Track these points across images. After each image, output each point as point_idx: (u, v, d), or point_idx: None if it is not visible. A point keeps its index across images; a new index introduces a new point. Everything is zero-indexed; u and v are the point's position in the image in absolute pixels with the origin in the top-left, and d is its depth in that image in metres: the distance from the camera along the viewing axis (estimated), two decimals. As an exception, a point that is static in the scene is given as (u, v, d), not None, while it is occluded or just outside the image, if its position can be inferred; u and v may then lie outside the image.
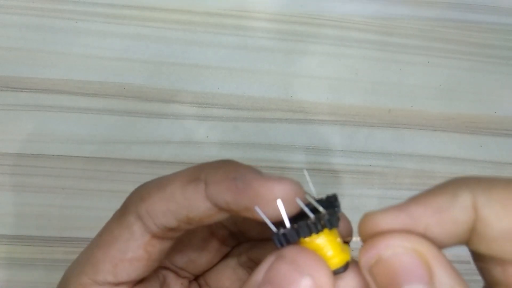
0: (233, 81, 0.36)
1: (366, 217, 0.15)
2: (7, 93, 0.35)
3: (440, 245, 0.14)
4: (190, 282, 0.22)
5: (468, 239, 0.14)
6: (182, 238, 0.19)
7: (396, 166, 0.36)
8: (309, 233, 0.15)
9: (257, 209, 0.16)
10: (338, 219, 0.16)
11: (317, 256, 0.15)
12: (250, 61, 0.37)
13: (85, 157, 0.35)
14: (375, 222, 0.15)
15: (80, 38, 0.36)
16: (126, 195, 0.36)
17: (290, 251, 0.15)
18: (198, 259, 0.22)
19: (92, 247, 0.19)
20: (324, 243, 0.15)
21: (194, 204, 0.17)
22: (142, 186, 0.19)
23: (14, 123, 0.35)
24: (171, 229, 0.18)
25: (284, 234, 0.15)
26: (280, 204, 0.15)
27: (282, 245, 0.16)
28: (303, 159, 0.36)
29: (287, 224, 0.15)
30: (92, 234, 0.34)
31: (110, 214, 0.34)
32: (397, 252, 0.14)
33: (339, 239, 0.16)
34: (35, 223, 0.34)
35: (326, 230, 0.15)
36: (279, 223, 0.16)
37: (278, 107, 0.36)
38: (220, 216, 0.17)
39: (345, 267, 0.15)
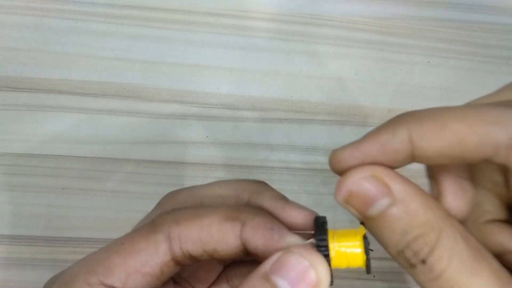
0: (233, 81, 0.36)
1: (332, 154, 0.19)
2: (7, 93, 0.35)
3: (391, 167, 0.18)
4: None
5: (412, 161, 0.18)
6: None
7: (396, 166, 0.36)
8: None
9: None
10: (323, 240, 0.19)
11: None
12: (250, 61, 0.37)
13: (85, 157, 0.35)
14: (338, 157, 0.19)
15: (80, 38, 0.36)
16: (126, 195, 0.36)
17: (297, 247, 0.18)
18: (204, 275, 0.23)
19: (110, 252, 0.19)
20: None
21: (226, 240, 0.19)
22: (176, 211, 0.20)
23: (14, 123, 0.35)
24: (192, 257, 0.19)
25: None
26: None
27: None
28: (303, 159, 0.36)
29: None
30: (92, 234, 0.34)
31: (110, 214, 0.34)
32: (361, 182, 0.18)
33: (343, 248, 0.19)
34: (35, 223, 0.34)
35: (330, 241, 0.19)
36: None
37: (278, 107, 0.36)
38: (239, 255, 0.19)
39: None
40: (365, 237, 0.19)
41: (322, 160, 0.36)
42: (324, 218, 0.20)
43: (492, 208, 0.21)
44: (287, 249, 0.18)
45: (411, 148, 0.18)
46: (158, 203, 0.23)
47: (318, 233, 0.19)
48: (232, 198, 0.22)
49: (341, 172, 0.19)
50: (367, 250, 0.18)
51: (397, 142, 0.18)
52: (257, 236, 0.19)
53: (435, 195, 0.19)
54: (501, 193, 0.21)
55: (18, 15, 0.36)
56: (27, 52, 0.36)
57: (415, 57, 0.38)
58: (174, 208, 0.21)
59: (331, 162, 0.19)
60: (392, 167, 0.18)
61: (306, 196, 0.35)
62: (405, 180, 0.18)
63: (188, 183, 0.35)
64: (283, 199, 0.21)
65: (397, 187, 0.18)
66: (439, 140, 0.17)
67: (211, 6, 0.37)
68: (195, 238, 0.19)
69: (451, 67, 0.38)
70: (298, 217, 0.20)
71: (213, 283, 0.24)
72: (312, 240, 0.19)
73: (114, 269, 0.19)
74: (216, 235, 0.19)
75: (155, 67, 0.36)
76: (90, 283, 0.19)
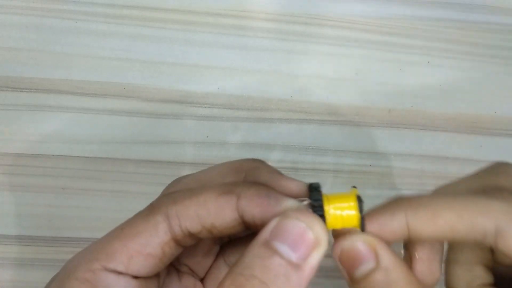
0: (233, 81, 0.36)
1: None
2: (7, 93, 0.35)
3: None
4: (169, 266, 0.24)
5: (406, 239, 0.20)
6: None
7: (396, 166, 0.36)
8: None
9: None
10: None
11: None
12: (250, 61, 0.37)
13: (85, 157, 0.35)
14: (341, 231, 0.20)
15: (80, 38, 0.36)
16: (126, 195, 0.36)
17: (293, 211, 0.18)
18: (202, 258, 0.24)
19: (110, 238, 0.20)
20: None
21: (223, 214, 0.19)
22: (173, 193, 0.21)
23: (14, 123, 0.35)
24: (191, 235, 0.20)
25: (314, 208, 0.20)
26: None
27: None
28: (303, 159, 0.36)
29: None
30: (92, 234, 0.34)
31: (110, 214, 0.34)
32: (353, 243, 0.19)
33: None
34: (35, 223, 0.34)
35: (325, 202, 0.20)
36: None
37: (278, 107, 0.36)
38: (238, 229, 0.20)
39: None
40: (359, 199, 0.20)
41: (322, 160, 0.36)
42: (318, 183, 0.20)
43: (482, 273, 0.23)
44: (283, 214, 0.18)
45: (407, 231, 0.20)
46: (163, 191, 0.24)
47: (312, 196, 0.20)
48: (230, 176, 0.22)
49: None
50: (361, 210, 0.20)
51: (395, 225, 0.20)
52: (253, 204, 0.19)
53: (407, 259, 0.22)
54: (487, 260, 0.23)
55: (18, 15, 0.36)
56: (27, 52, 0.36)
57: (415, 57, 0.38)
58: (174, 191, 0.21)
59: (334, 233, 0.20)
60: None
61: (306, 196, 0.35)
62: (393, 252, 0.19)
63: (188, 183, 0.35)
64: (279, 173, 0.22)
65: (384, 255, 0.19)
66: (432, 226, 0.19)
67: (211, 6, 0.37)
68: (192, 215, 0.19)
69: (451, 67, 0.38)
70: (293, 187, 0.21)
71: (211, 265, 0.24)
72: (307, 202, 0.19)
73: (116, 254, 0.19)
74: (213, 210, 0.19)
75: (155, 67, 0.36)
76: (93, 270, 0.19)
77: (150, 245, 0.19)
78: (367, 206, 0.20)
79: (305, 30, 0.37)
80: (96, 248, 0.20)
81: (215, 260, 0.24)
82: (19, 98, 0.35)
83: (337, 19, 0.38)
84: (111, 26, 0.36)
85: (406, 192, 0.36)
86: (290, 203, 0.19)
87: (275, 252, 0.17)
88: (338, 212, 0.20)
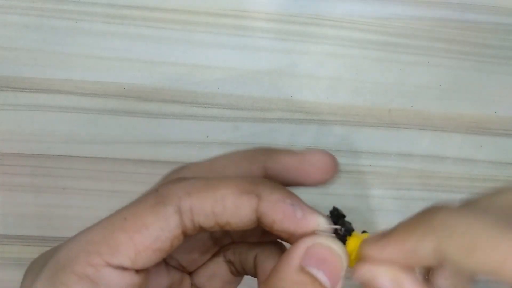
0: (233, 81, 0.36)
1: (361, 247, 0.18)
2: (7, 93, 0.35)
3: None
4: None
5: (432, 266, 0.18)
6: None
7: (396, 166, 0.36)
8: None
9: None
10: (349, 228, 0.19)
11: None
12: (250, 61, 0.37)
13: (85, 157, 0.35)
14: (362, 253, 0.18)
15: (80, 38, 0.36)
16: (126, 195, 0.36)
17: (326, 237, 0.18)
18: (198, 257, 0.23)
19: (112, 229, 0.18)
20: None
21: (241, 214, 0.18)
22: (185, 181, 0.19)
23: (14, 123, 0.35)
24: (201, 229, 0.18)
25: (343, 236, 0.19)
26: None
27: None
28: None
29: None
30: (92, 234, 0.34)
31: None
32: (375, 276, 0.17)
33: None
34: (35, 223, 0.34)
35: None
36: None
37: (278, 107, 0.36)
38: (251, 227, 0.19)
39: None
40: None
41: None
42: (340, 211, 0.19)
43: None
44: (318, 237, 0.18)
45: (438, 260, 0.16)
46: (165, 177, 0.22)
47: (345, 225, 0.19)
48: (244, 166, 0.21)
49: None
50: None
51: (423, 253, 0.16)
52: (276, 211, 0.18)
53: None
54: None
55: (18, 15, 0.36)
56: (27, 52, 0.36)
57: (415, 57, 0.38)
58: (181, 177, 0.19)
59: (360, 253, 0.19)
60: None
61: (306, 196, 0.35)
62: (419, 282, 0.17)
63: (188, 183, 0.35)
64: (299, 158, 0.20)
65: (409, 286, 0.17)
66: (472, 260, 0.15)
67: (211, 6, 0.37)
68: (208, 211, 0.18)
69: (451, 67, 0.38)
70: (319, 160, 0.20)
71: (207, 262, 0.23)
72: (337, 228, 0.19)
73: (121, 248, 0.17)
74: (231, 209, 0.18)
75: (155, 67, 0.36)
76: (93, 265, 0.17)
77: (160, 240, 0.18)
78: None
79: (305, 30, 0.37)
80: (95, 239, 0.18)
81: (211, 258, 0.23)
82: (19, 98, 0.35)
83: (337, 19, 0.38)
84: (111, 26, 0.36)
85: (406, 192, 0.36)
86: (320, 221, 0.18)
87: (314, 279, 0.17)
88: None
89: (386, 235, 0.18)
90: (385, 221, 0.35)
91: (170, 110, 0.36)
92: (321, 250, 0.17)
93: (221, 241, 0.23)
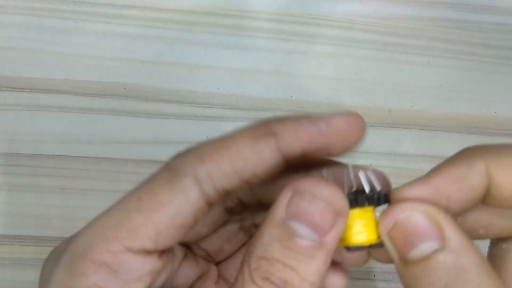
0: (233, 81, 0.36)
1: (395, 192, 0.17)
2: (7, 93, 0.35)
3: (460, 209, 0.16)
4: (186, 248, 0.22)
5: (484, 200, 0.16)
6: None
7: (396, 166, 0.36)
8: (376, 203, 0.16)
9: (350, 168, 0.17)
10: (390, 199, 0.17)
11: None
12: (250, 61, 0.37)
13: (85, 157, 0.35)
14: (404, 196, 0.16)
15: (80, 38, 0.36)
16: (126, 195, 0.36)
17: (307, 185, 0.16)
18: (205, 229, 0.21)
19: (127, 210, 0.17)
20: (370, 217, 0.16)
21: (264, 159, 0.17)
22: (195, 149, 0.18)
23: (14, 123, 0.35)
24: (227, 192, 0.17)
25: (355, 199, 0.16)
26: (350, 169, 0.17)
27: (352, 207, 0.16)
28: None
29: (366, 188, 0.17)
30: (92, 234, 0.34)
31: (110, 214, 0.34)
32: (411, 214, 0.15)
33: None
34: (35, 223, 0.34)
35: (371, 207, 0.16)
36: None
37: (278, 107, 0.36)
38: (279, 171, 0.17)
39: (378, 245, 0.17)
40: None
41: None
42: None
43: None
44: (296, 186, 0.16)
45: (488, 185, 0.16)
46: (166, 164, 0.20)
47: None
48: (253, 148, 0.18)
49: None
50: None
51: (474, 177, 0.16)
52: (299, 137, 0.16)
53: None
54: None
55: (18, 15, 0.36)
56: (27, 52, 0.36)
57: (415, 57, 0.38)
58: (189, 148, 0.18)
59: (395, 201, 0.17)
60: (460, 208, 0.16)
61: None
62: (463, 231, 0.16)
63: (188, 183, 0.35)
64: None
65: (452, 234, 0.15)
66: None
67: (211, 6, 0.37)
68: (228, 170, 0.17)
69: (451, 67, 0.38)
70: (343, 127, 0.17)
71: (235, 252, 0.22)
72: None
73: (140, 229, 0.16)
74: (251, 158, 0.17)
75: (155, 67, 0.36)
76: (112, 251, 0.16)
77: (182, 215, 0.16)
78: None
79: (305, 30, 0.37)
80: (110, 223, 0.17)
81: (239, 249, 0.22)
82: (19, 98, 0.35)
83: (337, 19, 0.38)
84: (111, 26, 0.36)
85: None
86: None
87: (294, 234, 0.15)
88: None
89: (425, 175, 0.16)
90: (385, 221, 0.35)
91: (170, 110, 0.36)
92: (301, 203, 0.16)
93: (250, 231, 0.22)
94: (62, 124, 0.35)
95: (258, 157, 0.17)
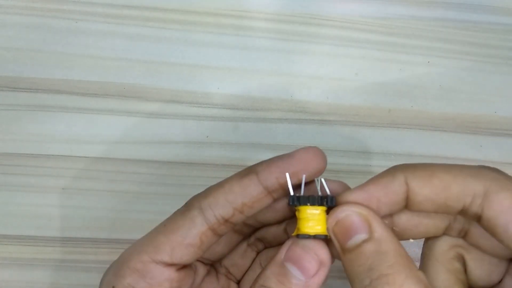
0: (233, 81, 0.36)
1: (341, 196, 0.22)
2: (7, 93, 0.35)
3: (389, 210, 0.22)
4: (210, 267, 0.27)
5: (406, 205, 0.22)
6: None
7: (396, 166, 0.36)
8: (317, 203, 0.21)
9: (287, 175, 0.22)
10: (335, 202, 0.22)
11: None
12: (250, 61, 0.37)
13: (85, 157, 0.35)
14: (345, 199, 0.22)
15: (80, 38, 0.36)
16: (126, 195, 0.36)
17: (302, 240, 0.21)
18: (220, 247, 0.27)
19: (155, 233, 0.23)
20: (320, 215, 0.22)
21: (249, 191, 0.23)
22: (204, 190, 0.24)
23: (14, 123, 0.35)
24: (226, 221, 0.23)
25: (298, 197, 0.22)
26: (288, 176, 0.22)
27: (293, 204, 0.22)
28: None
29: (302, 191, 0.22)
30: (92, 234, 0.34)
31: (110, 214, 0.34)
32: (349, 214, 0.21)
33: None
34: (35, 223, 0.34)
35: (324, 208, 0.22)
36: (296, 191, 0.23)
37: (278, 107, 0.36)
38: (266, 201, 0.23)
39: (326, 237, 0.22)
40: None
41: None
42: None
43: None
44: (294, 241, 0.22)
45: (407, 191, 0.21)
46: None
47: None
48: (244, 186, 0.24)
49: None
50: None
51: (396, 184, 0.21)
52: (272, 171, 0.22)
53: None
54: (463, 280, 0.24)
55: (18, 15, 0.36)
56: (27, 52, 0.36)
57: (415, 57, 0.38)
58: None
59: (341, 203, 0.22)
60: (389, 212, 0.22)
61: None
62: (386, 225, 0.21)
63: (188, 183, 0.35)
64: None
65: (377, 227, 0.20)
66: (429, 184, 0.21)
67: (211, 6, 0.37)
68: (223, 202, 0.23)
69: (451, 67, 0.38)
70: (303, 161, 0.23)
71: (248, 269, 0.28)
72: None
73: (161, 246, 0.23)
74: (239, 192, 0.23)
75: (155, 67, 0.36)
76: (143, 261, 0.23)
77: (190, 236, 0.23)
78: None
79: (305, 30, 0.37)
80: (145, 242, 0.23)
81: (251, 265, 0.28)
82: (19, 98, 0.35)
83: (337, 19, 0.38)
84: (111, 26, 0.36)
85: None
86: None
87: (288, 272, 0.21)
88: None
89: (363, 183, 0.22)
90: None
91: (170, 110, 0.36)
92: (296, 248, 0.21)
93: (256, 246, 0.28)
94: (62, 124, 0.35)
95: (244, 190, 0.23)
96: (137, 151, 0.35)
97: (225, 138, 0.36)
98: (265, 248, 0.28)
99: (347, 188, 0.23)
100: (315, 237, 0.21)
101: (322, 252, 0.21)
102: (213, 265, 0.27)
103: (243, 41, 0.37)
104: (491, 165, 0.22)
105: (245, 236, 0.28)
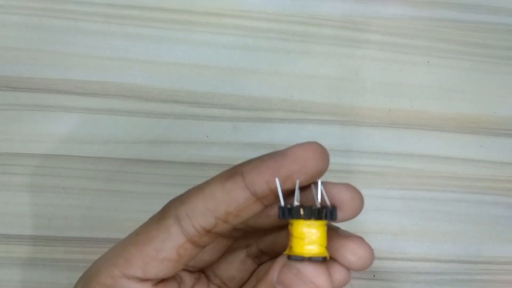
0: (233, 81, 0.36)
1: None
2: (7, 93, 0.35)
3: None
4: (199, 274, 0.23)
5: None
6: None
7: (396, 166, 0.36)
8: (313, 217, 0.17)
9: (276, 181, 0.18)
10: (336, 216, 0.18)
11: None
12: (250, 61, 0.37)
13: (85, 157, 0.35)
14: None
15: (80, 38, 0.36)
16: (126, 195, 0.36)
17: (294, 263, 0.18)
18: (206, 254, 0.23)
19: (127, 243, 0.20)
20: (317, 231, 0.18)
21: (234, 197, 0.18)
22: (182, 194, 0.20)
23: (14, 123, 0.35)
24: (207, 232, 0.19)
25: (289, 209, 0.18)
26: (277, 182, 0.18)
27: (284, 217, 0.18)
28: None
29: (296, 201, 0.18)
30: (92, 234, 0.34)
31: (110, 214, 0.34)
32: None
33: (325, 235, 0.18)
34: (35, 223, 0.34)
35: (322, 222, 0.18)
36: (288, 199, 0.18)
37: (278, 107, 0.36)
38: (254, 208, 0.19)
39: (324, 259, 0.18)
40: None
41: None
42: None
43: None
44: (287, 263, 0.19)
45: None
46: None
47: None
48: (227, 189, 0.21)
49: None
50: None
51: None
52: (261, 173, 0.18)
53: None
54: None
55: (18, 15, 0.36)
56: (27, 52, 0.36)
57: (415, 57, 0.38)
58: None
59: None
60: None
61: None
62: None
63: (188, 183, 0.35)
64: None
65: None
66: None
67: (211, 6, 0.37)
68: (202, 210, 0.19)
69: (451, 67, 0.38)
70: (303, 156, 0.19)
71: (229, 254, 0.24)
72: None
73: (132, 260, 0.19)
74: (222, 197, 0.19)
75: (155, 67, 0.36)
76: (113, 276, 0.19)
77: (165, 250, 0.19)
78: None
79: (305, 30, 0.37)
80: (115, 253, 0.20)
81: (249, 277, 0.24)
82: (19, 98, 0.35)
83: (337, 19, 0.38)
84: (111, 26, 0.36)
85: (406, 192, 0.36)
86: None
87: None
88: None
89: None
90: (385, 221, 0.35)
91: (170, 110, 0.36)
92: (289, 273, 0.18)
93: (258, 258, 0.24)
94: (62, 124, 0.35)
95: (228, 196, 0.19)
96: (137, 151, 0.35)
97: (225, 138, 0.36)
98: (270, 259, 0.24)
99: (354, 192, 0.19)
100: (311, 259, 0.17)
101: (320, 279, 0.17)
102: (203, 271, 0.24)
103: (243, 41, 0.37)
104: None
105: (236, 239, 0.23)
